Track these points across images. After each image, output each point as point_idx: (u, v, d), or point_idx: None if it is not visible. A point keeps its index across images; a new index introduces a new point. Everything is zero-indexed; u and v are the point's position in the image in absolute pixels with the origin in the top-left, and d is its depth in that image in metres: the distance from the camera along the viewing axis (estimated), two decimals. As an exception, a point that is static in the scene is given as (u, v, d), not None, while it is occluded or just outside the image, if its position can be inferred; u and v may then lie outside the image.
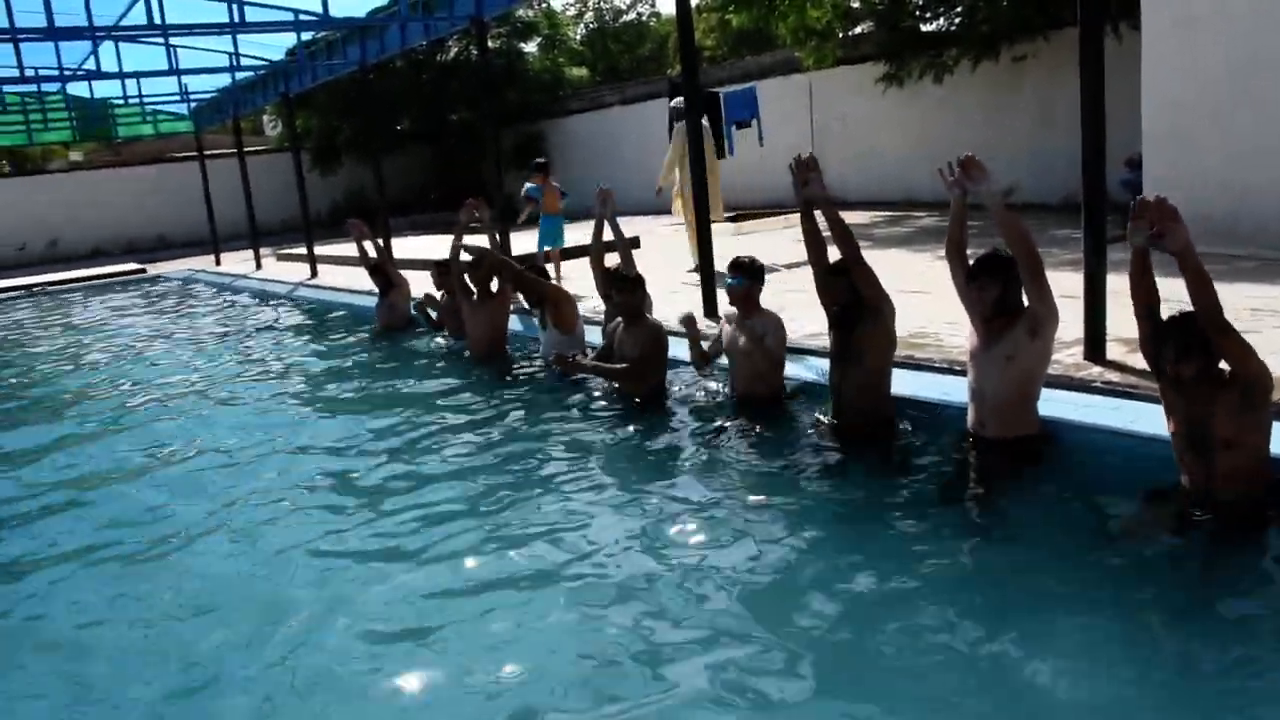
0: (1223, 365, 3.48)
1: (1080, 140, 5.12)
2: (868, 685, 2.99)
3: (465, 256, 7.47)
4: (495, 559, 4.04)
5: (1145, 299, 3.68)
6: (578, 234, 12.44)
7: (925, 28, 15.15)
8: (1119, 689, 2.88)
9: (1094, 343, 5.24)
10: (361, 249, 9.62)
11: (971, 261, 4.35)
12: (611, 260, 6.78)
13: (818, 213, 4.73)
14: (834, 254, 4.72)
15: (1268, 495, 3.53)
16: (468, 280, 7.68)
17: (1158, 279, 3.68)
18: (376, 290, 9.62)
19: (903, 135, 16.11)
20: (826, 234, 4.72)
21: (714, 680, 3.02)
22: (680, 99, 11.46)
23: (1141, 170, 9.48)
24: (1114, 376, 4.93)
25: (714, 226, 8.38)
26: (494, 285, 7.57)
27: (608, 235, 6.80)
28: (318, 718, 3.11)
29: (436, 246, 8.73)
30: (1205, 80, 8.69)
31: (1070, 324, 5.44)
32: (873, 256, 4.66)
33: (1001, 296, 4.21)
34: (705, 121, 8.53)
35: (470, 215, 7.65)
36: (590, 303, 7.11)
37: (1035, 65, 13.82)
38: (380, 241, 9.82)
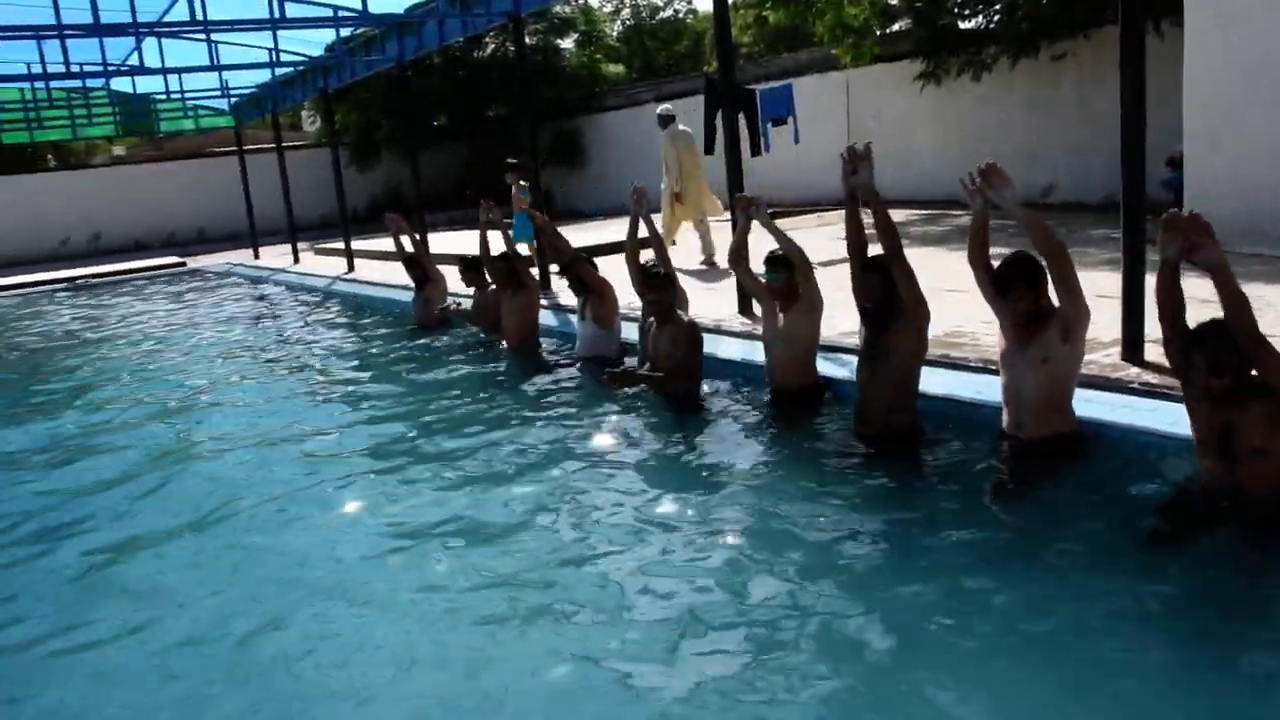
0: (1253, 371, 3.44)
1: (1120, 139, 5.07)
2: (905, 682, 3.00)
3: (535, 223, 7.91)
4: (520, 554, 4.08)
5: (1172, 308, 3.64)
6: (610, 232, 12.45)
7: (964, 25, 14.99)
8: (1157, 685, 2.87)
9: (1132, 344, 5.20)
10: (399, 243, 9.74)
11: (997, 263, 4.32)
12: (645, 257, 6.81)
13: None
14: (874, 249, 4.72)
15: None
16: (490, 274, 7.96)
17: (1185, 276, 3.63)
18: (413, 284, 9.72)
19: (940, 133, 15.97)
20: (870, 232, 4.73)
21: (743, 684, 3.03)
22: (666, 105, 11.64)
23: (1182, 170, 9.36)
24: (1151, 378, 4.88)
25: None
26: (522, 279, 7.73)
27: (642, 232, 6.83)
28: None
29: (472, 242, 8.84)
30: (1250, 78, 8.55)
31: (1109, 325, 5.39)
32: (909, 255, 4.66)
33: (1035, 304, 4.20)
34: (725, 119, 8.49)
35: (488, 214, 7.97)
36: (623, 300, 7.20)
37: (1075, 63, 13.64)
38: (417, 236, 9.95)
